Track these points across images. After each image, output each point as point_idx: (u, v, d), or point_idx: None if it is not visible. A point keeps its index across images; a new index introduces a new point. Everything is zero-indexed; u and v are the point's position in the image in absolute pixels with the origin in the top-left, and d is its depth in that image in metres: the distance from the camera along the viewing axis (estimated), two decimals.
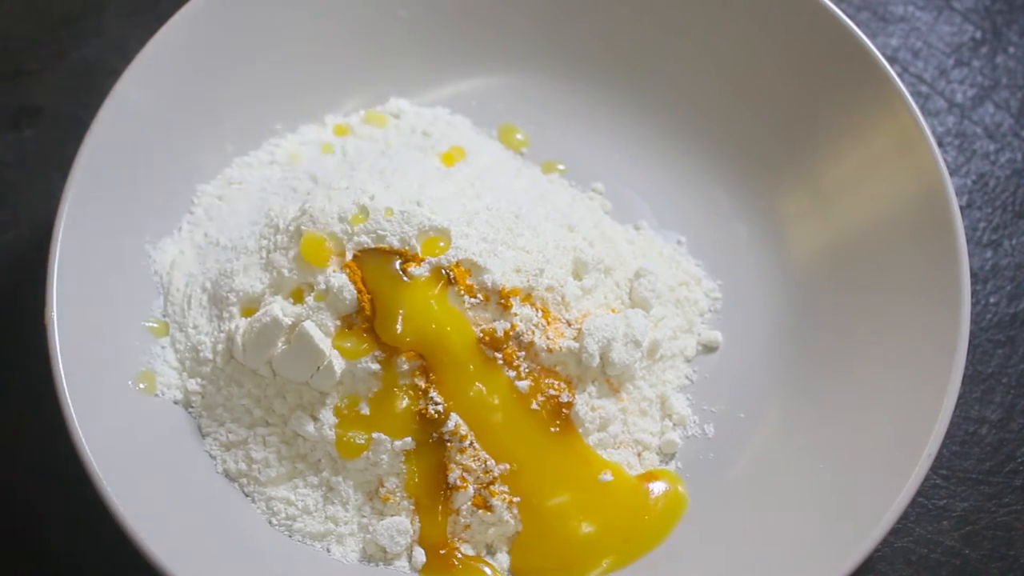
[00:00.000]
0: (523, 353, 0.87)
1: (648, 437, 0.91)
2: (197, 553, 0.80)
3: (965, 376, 0.84)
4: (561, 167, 1.04)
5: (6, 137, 1.10)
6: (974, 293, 1.00)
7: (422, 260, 0.87)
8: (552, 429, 0.87)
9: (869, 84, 0.95)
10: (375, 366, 0.86)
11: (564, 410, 0.87)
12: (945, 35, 1.15)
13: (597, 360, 0.88)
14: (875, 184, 0.94)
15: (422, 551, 0.85)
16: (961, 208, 0.93)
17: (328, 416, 0.86)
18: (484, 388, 0.86)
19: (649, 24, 1.05)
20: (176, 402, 0.90)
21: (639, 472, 0.90)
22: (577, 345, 0.88)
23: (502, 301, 0.87)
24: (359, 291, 0.86)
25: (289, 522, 0.86)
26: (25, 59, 1.14)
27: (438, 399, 0.85)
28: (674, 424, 0.92)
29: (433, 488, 0.86)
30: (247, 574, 0.82)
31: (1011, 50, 1.14)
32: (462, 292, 0.87)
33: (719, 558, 0.84)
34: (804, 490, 0.85)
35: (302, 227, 0.90)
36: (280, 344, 0.86)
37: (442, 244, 0.88)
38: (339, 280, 0.86)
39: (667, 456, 0.91)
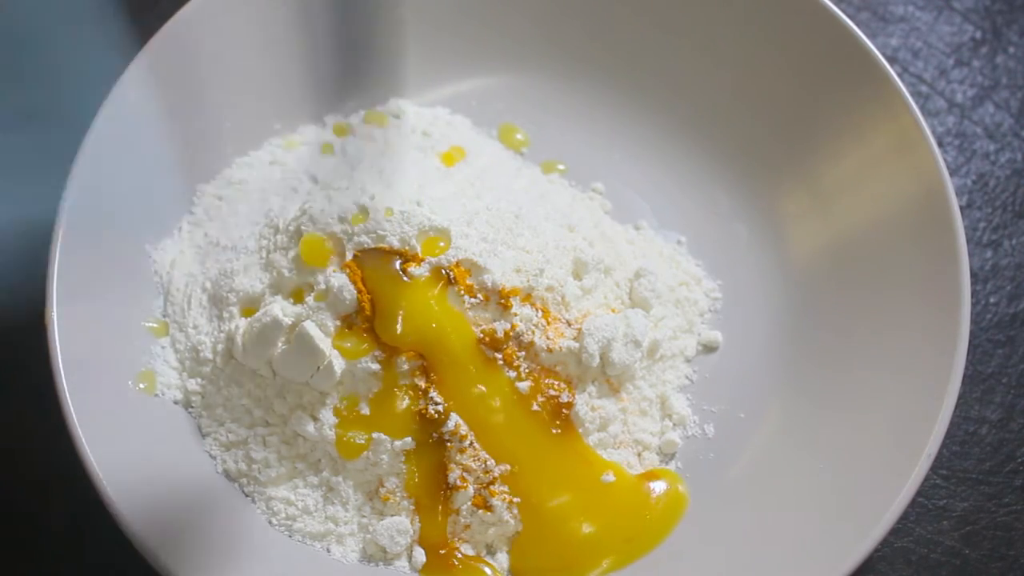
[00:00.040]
0: (523, 353, 0.87)
1: (648, 437, 0.91)
2: (197, 553, 0.80)
3: (965, 376, 0.84)
4: (561, 167, 1.04)
5: (6, 137, 1.10)
6: (974, 293, 1.00)
7: (422, 260, 0.87)
8: (554, 431, 0.87)
9: (869, 84, 0.95)
10: (375, 366, 0.86)
11: (564, 410, 0.87)
12: (945, 35, 1.15)
13: (597, 360, 0.88)
14: (875, 184, 0.94)
15: (422, 551, 0.85)
16: (961, 208, 0.94)
17: (328, 416, 0.86)
18: (484, 388, 0.86)
19: (649, 24, 1.05)
20: (176, 402, 0.90)
21: (639, 472, 0.90)
22: (577, 345, 0.88)
23: (502, 301, 0.87)
24: (359, 291, 0.86)
25: (289, 522, 0.86)
26: None
27: (438, 399, 0.85)
28: (674, 424, 0.92)
29: (433, 488, 0.86)
30: (247, 574, 0.82)
31: (1011, 50, 1.14)
32: (462, 292, 0.87)
33: (719, 558, 0.84)
34: (804, 490, 0.85)
35: (302, 227, 0.90)
36: (280, 344, 0.86)
37: (442, 244, 0.88)
38: (339, 280, 0.86)
39: (667, 456, 0.91)
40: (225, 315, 0.91)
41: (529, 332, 0.87)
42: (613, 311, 0.92)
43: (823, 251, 0.96)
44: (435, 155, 1.00)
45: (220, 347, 0.90)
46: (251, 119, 1.02)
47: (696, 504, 0.88)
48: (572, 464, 0.87)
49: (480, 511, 0.85)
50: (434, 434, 0.85)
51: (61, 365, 0.82)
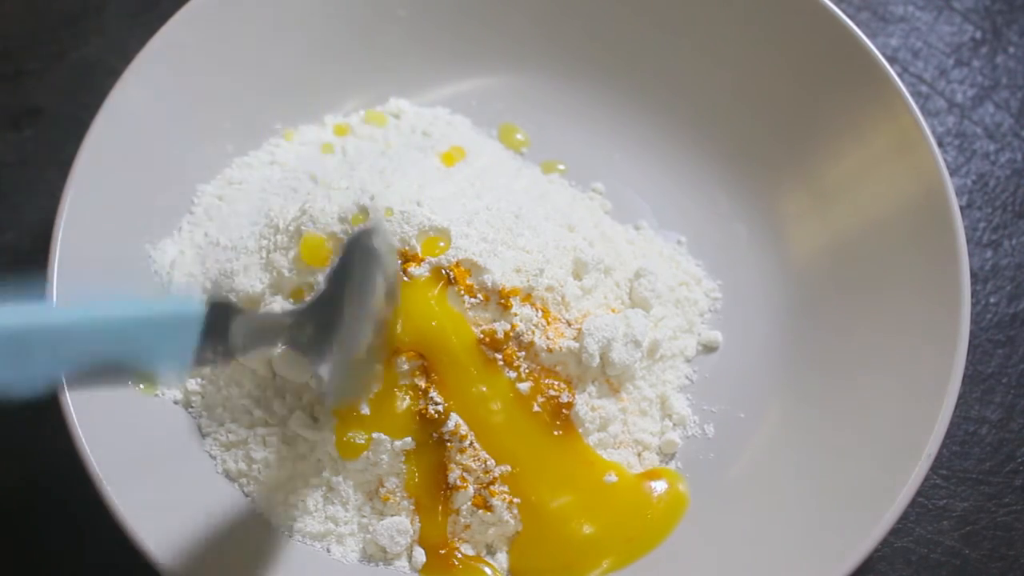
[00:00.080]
0: (523, 353, 0.87)
1: (648, 437, 0.91)
2: (197, 553, 0.80)
3: (965, 376, 0.84)
4: (561, 167, 1.04)
5: (6, 137, 1.10)
6: (974, 293, 1.00)
7: (422, 260, 0.87)
8: (555, 433, 0.87)
9: (869, 84, 0.95)
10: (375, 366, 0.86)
11: (564, 410, 0.87)
12: (945, 35, 1.15)
13: (597, 360, 0.88)
14: (875, 184, 0.94)
15: (422, 551, 0.85)
16: (961, 208, 0.93)
17: (328, 416, 0.86)
18: (485, 389, 0.86)
19: (649, 24, 1.05)
20: (176, 402, 0.90)
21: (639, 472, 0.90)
22: (577, 345, 0.88)
23: (502, 301, 0.87)
24: None
25: (289, 522, 0.86)
26: (25, 59, 1.14)
27: (438, 399, 0.85)
28: (674, 424, 0.92)
29: (433, 488, 0.86)
30: (247, 574, 0.82)
31: (1011, 50, 1.14)
32: (462, 292, 0.87)
33: (719, 558, 0.84)
34: (804, 490, 0.85)
35: (302, 227, 0.90)
36: (280, 344, 0.86)
37: (442, 244, 0.88)
38: None
39: (667, 456, 0.91)
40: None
41: (529, 332, 0.87)
42: (613, 311, 0.92)
43: (823, 251, 0.96)
44: (435, 155, 1.00)
45: None
46: (251, 119, 1.02)
47: (696, 504, 0.88)
48: (572, 464, 0.87)
49: (480, 511, 0.85)
50: (434, 434, 0.85)
51: None
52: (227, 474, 0.87)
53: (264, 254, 0.92)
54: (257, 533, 0.85)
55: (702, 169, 1.03)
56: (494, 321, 0.87)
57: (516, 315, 0.87)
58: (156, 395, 0.89)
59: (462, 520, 0.86)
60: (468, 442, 0.85)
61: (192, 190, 0.99)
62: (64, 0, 1.17)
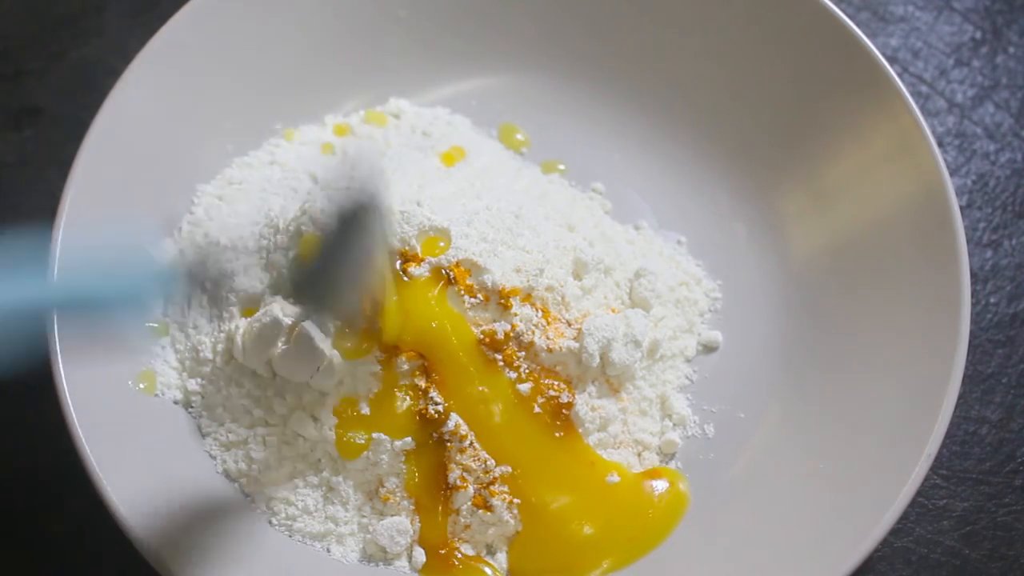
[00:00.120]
0: (523, 353, 0.87)
1: (648, 437, 0.91)
2: (197, 553, 0.80)
3: (965, 376, 0.84)
4: (561, 167, 1.04)
5: (6, 137, 1.10)
6: (974, 293, 1.00)
7: (422, 260, 0.87)
8: (557, 434, 0.87)
9: (869, 84, 0.95)
10: (375, 366, 0.86)
11: (564, 411, 0.87)
12: (945, 35, 1.15)
13: (597, 360, 0.88)
14: (875, 184, 0.94)
15: (422, 551, 0.85)
16: (961, 208, 0.93)
17: (328, 416, 0.86)
18: (484, 389, 0.86)
19: (649, 24, 1.05)
20: (176, 402, 0.90)
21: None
22: (577, 345, 0.88)
23: (502, 301, 0.87)
24: None
25: (289, 522, 0.86)
26: (25, 59, 1.14)
27: (438, 399, 0.85)
28: (674, 424, 0.92)
29: (433, 488, 0.86)
30: (247, 574, 0.82)
31: (1011, 50, 1.14)
32: (462, 292, 0.87)
33: (719, 558, 0.84)
34: (804, 490, 0.85)
35: (302, 227, 0.90)
36: (280, 344, 0.86)
37: (442, 244, 0.88)
38: None
39: (667, 456, 0.91)
40: (225, 315, 0.90)
41: (529, 332, 0.87)
42: (613, 311, 0.92)
43: (823, 251, 0.96)
44: (435, 155, 1.00)
45: (220, 347, 0.90)
46: (251, 119, 1.02)
47: (696, 504, 0.88)
48: (572, 464, 0.87)
49: (480, 511, 0.85)
50: (434, 434, 0.85)
51: (61, 365, 0.82)
52: (227, 474, 0.87)
53: (264, 254, 0.92)
54: (257, 533, 0.85)
55: (702, 169, 1.03)
56: (494, 321, 0.87)
57: (516, 315, 0.87)
58: (156, 395, 0.89)
59: (462, 520, 0.86)
60: (468, 442, 0.85)
61: (192, 190, 0.99)
62: (64, 0, 1.17)
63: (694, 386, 0.94)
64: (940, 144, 1.03)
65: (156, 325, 0.93)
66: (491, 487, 0.85)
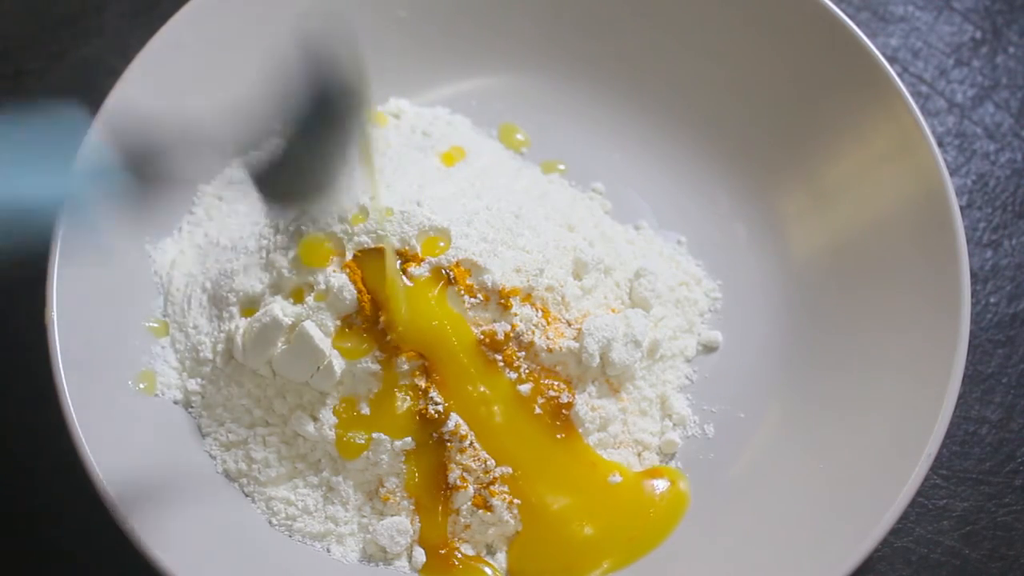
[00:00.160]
0: (523, 353, 0.87)
1: (648, 437, 0.91)
2: (197, 553, 0.80)
3: (965, 376, 0.84)
4: (561, 167, 1.04)
5: None
6: (974, 293, 1.00)
7: (422, 260, 0.87)
8: (558, 436, 0.87)
9: (869, 84, 0.95)
10: (375, 366, 0.86)
11: (564, 411, 0.87)
12: (945, 35, 1.15)
13: (597, 360, 0.88)
14: (875, 184, 0.94)
15: (422, 551, 0.85)
16: (961, 208, 0.93)
17: (328, 416, 0.86)
18: (484, 389, 0.86)
19: (649, 25, 1.05)
20: (176, 402, 0.90)
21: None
22: (577, 345, 0.88)
23: (502, 301, 0.87)
24: (359, 291, 0.86)
25: (289, 522, 0.86)
26: (25, 59, 1.14)
27: (438, 399, 0.85)
28: (674, 424, 0.92)
29: (433, 488, 0.86)
30: (247, 574, 0.82)
31: (1011, 50, 1.14)
32: (462, 292, 0.87)
33: (719, 558, 0.84)
34: (804, 490, 0.85)
35: (302, 227, 0.90)
36: (280, 344, 0.86)
37: (442, 244, 0.88)
38: (339, 280, 0.86)
39: (667, 456, 0.91)
40: (225, 315, 0.91)
41: (529, 332, 0.87)
42: (613, 311, 0.92)
43: (823, 251, 0.96)
44: (435, 155, 1.00)
45: (220, 347, 0.90)
46: (251, 119, 1.02)
47: (696, 504, 0.88)
48: (572, 464, 0.87)
49: (480, 511, 0.85)
50: (434, 434, 0.85)
51: (61, 365, 0.82)
52: (227, 474, 0.87)
53: (264, 254, 0.92)
54: (257, 533, 0.85)
55: (702, 169, 1.03)
56: (494, 321, 0.87)
57: (516, 315, 0.87)
58: (156, 395, 0.89)
59: (462, 520, 0.86)
60: (468, 442, 0.85)
61: (192, 190, 0.99)
62: (64, 0, 1.17)
63: (694, 386, 0.94)
64: (940, 144, 1.03)
65: (156, 325, 0.93)
66: (491, 487, 0.85)
